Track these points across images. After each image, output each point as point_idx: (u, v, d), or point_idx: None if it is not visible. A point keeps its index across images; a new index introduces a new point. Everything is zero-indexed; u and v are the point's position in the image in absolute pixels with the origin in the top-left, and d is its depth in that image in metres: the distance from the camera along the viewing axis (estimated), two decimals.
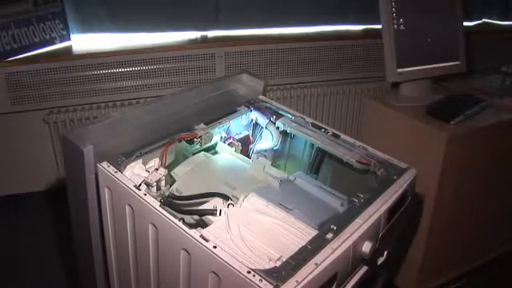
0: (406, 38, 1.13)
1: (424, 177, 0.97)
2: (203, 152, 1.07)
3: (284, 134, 1.13)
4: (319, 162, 1.09)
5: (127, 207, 0.86)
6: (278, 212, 0.85)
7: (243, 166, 1.04)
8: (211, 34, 1.57)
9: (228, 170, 1.02)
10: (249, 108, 1.13)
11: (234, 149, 1.11)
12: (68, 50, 1.35)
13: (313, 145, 1.09)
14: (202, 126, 1.03)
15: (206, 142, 1.05)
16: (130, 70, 1.50)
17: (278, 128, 1.12)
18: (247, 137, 1.18)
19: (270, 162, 1.04)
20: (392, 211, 0.87)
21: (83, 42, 1.38)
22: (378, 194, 0.89)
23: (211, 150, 1.12)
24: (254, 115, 1.15)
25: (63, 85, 1.39)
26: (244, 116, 1.15)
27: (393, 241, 0.90)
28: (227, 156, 1.08)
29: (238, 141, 1.15)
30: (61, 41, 1.27)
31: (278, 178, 0.97)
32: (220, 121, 1.06)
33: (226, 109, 1.09)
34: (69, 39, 1.32)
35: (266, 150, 1.17)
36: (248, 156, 1.13)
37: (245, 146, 1.16)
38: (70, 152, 0.87)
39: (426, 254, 1.14)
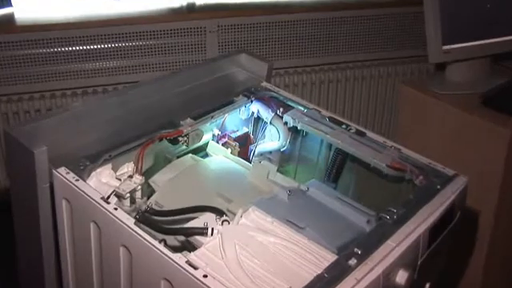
0: (456, 4, 1.04)
1: (479, 186, 0.96)
2: (190, 154, 1.10)
3: (294, 131, 1.16)
4: (339, 167, 1.11)
5: (92, 225, 0.85)
6: (285, 231, 0.84)
7: (241, 172, 1.06)
8: (200, 0, 1.52)
9: (222, 178, 1.05)
10: (249, 98, 1.15)
11: (229, 150, 1.14)
12: (9, 18, 1.24)
13: (331, 145, 1.12)
14: (188, 121, 1.05)
15: (193, 142, 1.07)
16: (93, 49, 1.41)
17: (286, 124, 1.14)
18: (247, 135, 1.21)
19: (275, 167, 1.07)
20: (435, 231, 0.84)
21: (29, 8, 1.25)
22: (417, 208, 0.87)
23: (201, 151, 1.14)
24: (256, 107, 1.18)
25: (3, 66, 1.29)
26: (243, 108, 1.17)
27: (436, 270, 0.87)
28: (221, 159, 1.11)
29: (234, 140, 1.18)
30: None
31: (286, 188, 0.98)
32: (212, 114, 1.08)
33: (220, 99, 1.11)
34: (9, 5, 1.21)
35: (270, 152, 1.19)
36: (248, 160, 1.16)
37: (244, 147, 1.20)
38: (15, 155, 0.84)
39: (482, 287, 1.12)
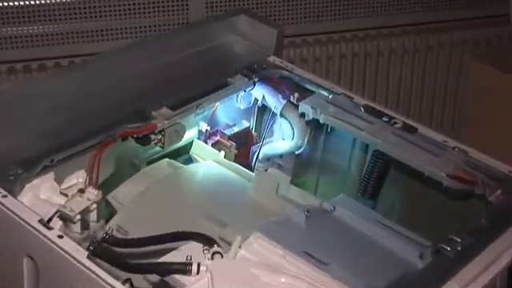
0: None
1: None
2: (167, 159, 1.14)
3: (314, 126, 1.19)
4: (379, 177, 1.12)
5: (26, 262, 0.85)
6: (302, 268, 0.83)
7: (240, 184, 1.10)
8: None
9: (212, 192, 1.08)
10: (250, 79, 1.18)
11: (223, 153, 1.18)
12: None
13: (367, 146, 1.14)
14: (164, 111, 1.07)
15: (171, 142, 1.10)
16: (37, 5, 1.38)
17: (303, 115, 1.17)
18: (247, 131, 1.25)
19: (288, 178, 1.10)
20: None
21: None
22: (491, 237, 0.87)
23: (182, 155, 1.19)
24: (260, 92, 1.21)
25: None
26: (242, 94, 1.20)
27: None
28: (211, 166, 1.15)
29: (230, 139, 1.22)
30: None
31: (304, 207, 0.98)
32: (198, 103, 1.11)
33: (210, 80, 1.15)
34: None
35: (281, 156, 1.22)
36: (249, 167, 1.20)
37: (243, 148, 1.23)
38: None
39: None
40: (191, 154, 1.20)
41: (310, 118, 1.15)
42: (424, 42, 1.88)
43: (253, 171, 1.19)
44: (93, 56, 1.15)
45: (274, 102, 1.21)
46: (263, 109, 1.27)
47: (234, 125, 1.24)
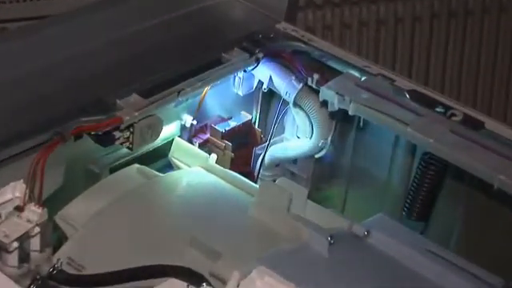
0: None
1: None
2: (137, 165, 1.14)
3: (342, 119, 1.20)
4: (431, 189, 1.13)
5: None
6: None
7: (237, 199, 1.11)
8: None
9: (200, 210, 1.09)
10: (253, 54, 1.19)
11: (215, 156, 1.18)
12: None
13: (414, 147, 1.15)
14: (134, 99, 1.09)
15: (143, 141, 1.11)
16: None
17: (325, 105, 1.18)
18: (248, 127, 1.27)
19: (305, 191, 1.10)
20: None
21: None
22: None
23: (158, 159, 1.20)
24: (266, 72, 1.23)
25: None
26: (241, 75, 1.22)
27: None
28: (198, 174, 1.16)
29: (224, 136, 1.23)
30: None
31: (326, 232, 0.99)
32: (180, 87, 1.13)
33: (196, 56, 1.16)
34: None
35: (295, 161, 1.23)
36: (250, 176, 1.22)
37: (243, 150, 1.26)
38: None
39: None
40: (170, 158, 1.20)
41: (336, 108, 1.16)
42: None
43: (256, 182, 1.19)
44: (37, 21, 1.16)
45: (286, 85, 1.21)
46: (270, 96, 1.28)
47: (230, 118, 1.25)
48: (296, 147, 1.26)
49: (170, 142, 1.20)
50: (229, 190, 1.12)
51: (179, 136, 1.21)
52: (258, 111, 1.28)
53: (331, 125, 1.21)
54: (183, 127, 1.21)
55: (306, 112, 1.21)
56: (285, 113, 1.26)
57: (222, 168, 1.17)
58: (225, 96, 1.25)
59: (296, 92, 1.20)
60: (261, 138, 1.28)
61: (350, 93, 1.14)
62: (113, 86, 1.10)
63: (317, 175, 1.23)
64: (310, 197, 1.10)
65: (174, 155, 1.20)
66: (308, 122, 1.22)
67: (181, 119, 1.21)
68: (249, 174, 1.23)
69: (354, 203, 1.23)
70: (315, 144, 1.23)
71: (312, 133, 1.22)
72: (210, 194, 1.12)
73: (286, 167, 1.28)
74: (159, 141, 1.16)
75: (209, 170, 1.15)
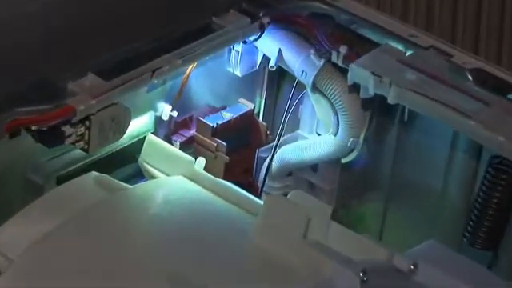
0: None
1: None
2: (95, 173, 1.14)
3: (379, 109, 1.22)
4: (502, 207, 1.14)
5: None
6: None
7: (234, 219, 1.12)
8: None
9: (182, 236, 1.09)
10: (255, 19, 1.20)
11: (203, 161, 1.18)
12: None
13: (480, 148, 1.15)
14: (91, 80, 1.10)
15: (104, 140, 1.12)
16: None
17: (355, 88, 1.18)
18: (248, 119, 1.26)
19: (329, 209, 1.09)
20: None
21: None
22: None
23: (124, 164, 1.21)
24: (275, 44, 1.23)
25: None
26: (239, 48, 1.23)
27: None
28: (180, 186, 1.16)
29: (216, 133, 1.23)
30: None
31: (357, 265, 0.99)
32: (155, 64, 1.13)
33: (177, 21, 1.17)
34: None
35: (314, 168, 1.26)
36: (252, 187, 1.23)
37: (242, 151, 1.26)
38: None
39: None
40: (141, 164, 1.20)
41: (371, 93, 1.16)
42: None
43: (259, 196, 1.20)
44: None
45: (301, 63, 1.22)
46: (280, 77, 1.29)
47: (224, 108, 1.25)
48: (316, 148, 1.26)
49: (141, 141, 1.21)
50: (222, 207, 1.13)
51: (153, 133, 1.22)
52: (263, 98, 1.29)
53: (364, 117, 1.22)
54: (159, 120, 1.22)
55: (329, 99, 1.21)
56: (300, 100, 1.27)
57: (212, 177, 1.16)
58: (216, 77, 1.25)
59: (316, 72, 1.20)
60: (266, 136, 1.28)
61: (390, 73, 1.15)
62: (61, 62, 1.11)
63: (344, 187, 1.24)
64: (334, 217, 1.09)
65: (147, 159, 1.20)
66: (332, 114, 1.22)
67: (155, 109, 1.22)
68: (250, 186, 1.23)
69: (395, 225, 1.24)
70: (342, 144, 1.23)
71: (338, 128, 1.23)
72: (196, 214, 1.12)
73: (301, 176, 1.29)
74: (125, 139, 1.17)
75: (194, 179, 1.16)
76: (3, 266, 1.02)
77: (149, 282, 0.99)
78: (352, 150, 1.23)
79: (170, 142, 1.22)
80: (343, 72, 1.19)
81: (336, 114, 1.22)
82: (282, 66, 1.25)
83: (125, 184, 1.15)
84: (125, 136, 1.15)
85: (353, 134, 1.22)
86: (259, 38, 1.21)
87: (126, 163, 1.21)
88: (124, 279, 1.00)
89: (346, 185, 1.25)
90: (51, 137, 1.07)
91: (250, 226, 1.07)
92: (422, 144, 1.22)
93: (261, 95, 1.30)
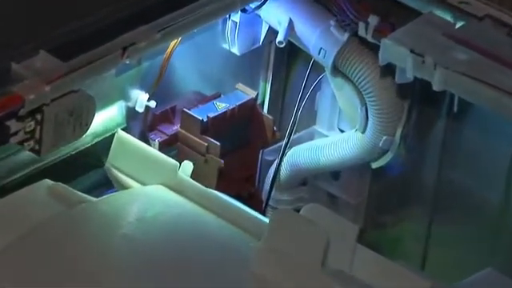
0: None
1: None
2: (48, 181, 1.16)
3: (419, 97, 1.22)
4: None
5: None
6: None
7: (230, 241, 1.14)
8: None
9: (163, 264, 1.10)
10: None
11: (190, 165, 1.18)
12: None
13: None
14: (43, 60, 1.11)
15: (59, 139, 1.12)
16: None
17: (389, 71, 1.18)
18: (249, 110, 1.27)
19: (355, 229, 1.10)
20: None
21: None
22: None
23: (89, 170, 1.21)
24: (283, 12, 1.23)
25: None
26: (237, 18, 1.25)
27: None
28: (159, 200, 1.17)
29: (206, 130, 1.23)
30: None
31: None
32: (127, 39, 1.15)
33: None
34: None
35: (335, 175, 1.27)
36: (254, 200, 1.23)
37: (240, 153, 1.26)
38: None
39: None
40: (109, 169, 1.21)
41: (410, 77, 1.16)
42: None
43: (264, 212, 1.20)
44: None
45: (318, 37, 1.22)
46: (290, 55, 1.28)
47: (218, 96, 1.25)
48: (337, 149, 1.26)
49: (109, 140, 1.20)
50: (213, 227, 1.14)
51: (124, 129, 1.20)
52: (269, 84, 1.28)
53: (401, 109, 1.22)
54: (132, 113, 1.22)
55: (354, 85, 1.21)
56: (317, 87, 1.25)
57: (201, 187, 1.17)
58: (207, 57, 1.25)
59: (337, 49, 1.20)
60: (273, 133, 1.28)
61: (434, 50, 1.15)
62: (5, 36, 1.12)
63: (375, 200, 1.24)
64: (362, 239, 1.09)
65: (116, 164, 1.20)
66: (359, 104, 1.22)
67: (127, 99, 1.22)
68: (251, 198, 1.23)
69: (441, 248, 1.24)
70: (372, 143, 1.23)
71: (366, 123, 1.22)
72: (180, 236, 1.13)
73: (318, 185, 1.27)
74: (88, 138, 1.18)
75: (178, 189, 1.17)
76: None
77: None
78: (385, 152, 1.23)
79: (146, 140, 1.22)
80: (373, 49, 1.20)
81: (364, 104, 1.22)
82: (294, 42, 1.24)
83: (87, 196, 1.15)
84: (87, 133, 1.15)
85: (386, 131, 1.23)
86: (263, 4, 1.22)
87: (89, 169, 1.21)
88: None
89: (377, 197, 1.25)
90: None
91: (250, 252, 1.08)
92: (477, 144, 1.23)
93: (265, 80, 1.30)
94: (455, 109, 1.19)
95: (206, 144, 1.21)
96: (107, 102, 1.19)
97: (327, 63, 1.20)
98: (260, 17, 1.23)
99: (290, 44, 1.24)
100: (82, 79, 1.11)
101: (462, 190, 1.23)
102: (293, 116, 1.25)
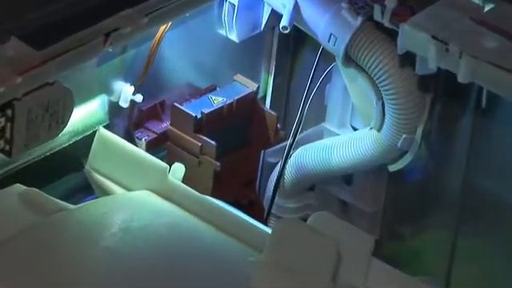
0: None
1: None
2: (20, 186, 1.17)
3: (444, 90, 1.23)
4: None
5: None
6: None
7: (228, 254, 1.15)
8: None
9: (150, 281, 1.10)
10: None
11: (181, 168, 1.19)
12: None
13: None
14: (14, 47, 1.11)
15: (32, 138, 1.13)
16: None
17: (408, 60, 1.19)
18: (248, 105, 1.27)
19: (370, 240, 1.09)
20: None
21: None
22: None
23: (64, 173, 1.21)
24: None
25: None
26: (233, 0, 1.24)
27: None
28: (146, 208, 1.19)
29: (200, 128, 1.23)
30: None
31: None
32: (109, 25, 1.15)
33: None
34: None
35: (348, 179, 1.28)
36: (255, 208, 1.24)
37: (239, 154, 1.26)
38: None
39: None
40: (89, 172, 1.21)
41: (432, 68, 1.17)
42: None
43: (266, 221, 1.19)
44: None
45: (328, 21, 1.22)
46: (296, 42, 1.28)
47: (214, 89, 1.25)
48: (350, 150, 1.26)
49: (90, 140, 1.20)
50: (208, 237, 1.15)
51: (107, 126, 1.21)
52: (272, 75, 1.27)
53: (423, 103, 1.22)
54: (115, 108, 1.23)
55: (369, 76, 1.22)
56: (326, 78, 1.24)
57: (195, 193, 1.17)
58: (201, 44, 1.25)
59: (350, 35, 1.21)
60: (276, 132, 1.28)
61: (460, 37, 1.16)
62: None
63: (393, 208, 1.24)
64: (378, 252, 1.11)
65: (97, 166, 1.20)
66: (375, 98, 1.23)
67: (110, 92, 1.22)
68: (252, 206, 1.23)
69: (469, 261, 1.24)
70: (390, 143, 1.23)
71: (383, 120, 1.23)
72: (170, 248, 1.13)
73: (328, 191, 1.27)
74: (66, 137, 1.19)
75: (168, 196, 1.17)
76: None
77: None
78: (404, 153, 1.23)
79: (131, 139, 1.23)
80: (391, 36, 1.20)
81: (380, 98, 1.22)
82: (300, 27, 1.25)
83: (64, 203, 1.15)
84: (64, 132, 1.16)
85: (405, 129, 1.23)
86: None
87: (67, 172, 1.21)
88: None
89: (395, 205, 1.24)
90: None
91: (250, 267, 1.08)
92: (509, 144, 1.22)
93: (268, 70, 1.29)
94: (484, 104, 1.18)
95: (199, 144, 1.21)
96: (87, 95, 1.18)
97: (338, 51, 1.20)
98: None
99: (295, 30, 1.23)
100: (58, 70, 1.11)
101: (492, 197, 1.23)
102: (299, 112, 1.24)
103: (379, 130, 1.21)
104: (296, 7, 1.21)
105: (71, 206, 1.13)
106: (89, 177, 1.20)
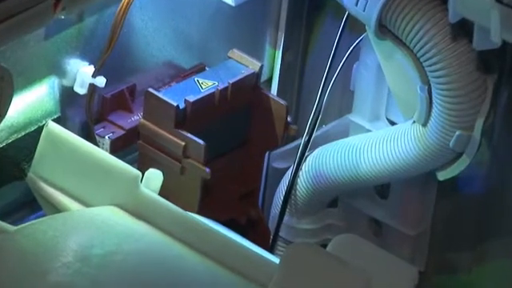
0: None
1: None
2: None
3: (508, 69, 1.26)
4: None
5: None
6: None
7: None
8: None
9: None
10: None
11: (153, 179, 1.23)
12: None
13: None
14: None
15: None
16: None
17: (460, 30, 1.22)
18: (250, 89, 1.30)
19: (413, 271, 1.13)
20: None
21: None
22: None
23: (8, 181, 1.25)
24: None
25: None
26: None
27: None
28: (111, 225, 1.23)
29: (182, 119, 1.26)
30: None
31: None
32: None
33: None
34: None
35: (383, 190, 1.31)
36: (258, 228, 1.28)
37: (238, 156, 1.30)
38: None
39: None
40: (33, 180, 1.24)
41: (496, 41, 1.19)
42: None
43: (272, 248, 1.24)
44: None
45: None
46: (313, 7, 1.31)
47: (203, 68, 1.29)
48: (385, 151, 1.26)
49: (35, 137, 1.21)
50: (195, 268, 1.18)
51: (57, 120, 1.22)
52: (280, 51, 1.31)
53: (482, 89, 1.25)
54: (69, 95, 1.23)
55: (412, 52, 1.24)
56: (353, 55, 1.27)
57: (176, 209, 1.21)
58: (185, 10, 1.28)
59: (380, 4, 1.19)
60: (286, 127, 1.27)
61: None
62: None
63: (443, 230, 1.26)
64: (423, 286, 1.15)
65: (45, 173, 1.24)
66: (419, 82, 1.26)
67: (63, 73, 1.22)
68: (253, 226, 1.26)
69: None
70: (439, 142, 1.26)
71: (430, 110, 1.25)
72: (145, 282, 1.16)
73: (356, 207, 1.29)
74: (4, 134, 1.20)
75: (141, 213, 1.21)
76: None
77: None
78: (458, 156, 1.23)
79: (91, 137, 1.23)
80: (436, 7, 1.19)
81: (426, 81, 1.22)
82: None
83: (0, 222, 1.16)
84: (2, 127, 1.16)
85: (459, 123, 1.24)
86: None
87: (4, 181, 1.22)
88: None
89: (446, 225, 1.26)
90: None
91: None
92: None
93: (274, 45, 1.31)
94: None
95: (182, 143, 1.22)
96: (31, 78, 1.20)
97: (369, 19, 1.21)
98: None
99: (310, 7, 1.25)
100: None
101: None
102: (316, 100, 1.26)
103: (425, 124, 1.23)
104: None
105: (10, 227, 1.15)
106: (33, 187, 1.21)
